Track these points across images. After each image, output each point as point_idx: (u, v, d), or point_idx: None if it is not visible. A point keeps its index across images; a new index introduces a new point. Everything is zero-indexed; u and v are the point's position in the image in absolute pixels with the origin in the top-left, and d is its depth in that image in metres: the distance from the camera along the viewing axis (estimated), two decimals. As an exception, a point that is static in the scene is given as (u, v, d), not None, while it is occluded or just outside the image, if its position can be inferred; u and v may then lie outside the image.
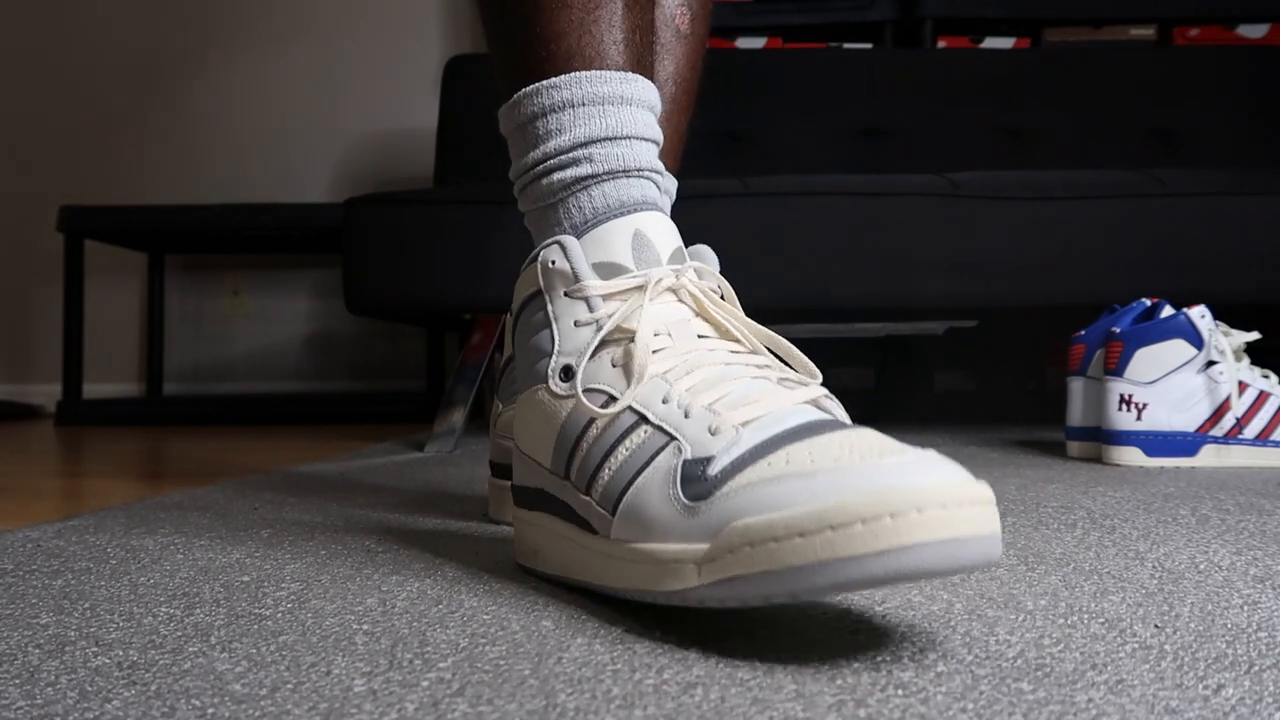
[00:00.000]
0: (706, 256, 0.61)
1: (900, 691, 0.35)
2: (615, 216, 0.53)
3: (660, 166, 0.57)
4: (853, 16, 2.28)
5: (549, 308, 0.52)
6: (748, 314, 0.54)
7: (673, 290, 0.52)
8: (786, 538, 0.38)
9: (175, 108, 2.75)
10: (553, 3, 0.56)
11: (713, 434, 0.44)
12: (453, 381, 1.44)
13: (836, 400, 0.49)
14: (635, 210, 0.54)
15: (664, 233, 0.54)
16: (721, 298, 0.54)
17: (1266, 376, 1.13)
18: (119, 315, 2.77)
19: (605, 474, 0.47)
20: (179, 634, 0.44)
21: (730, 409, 0.45)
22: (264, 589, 0.52)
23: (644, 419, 0.47)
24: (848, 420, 0.47)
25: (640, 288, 0.51)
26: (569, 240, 0.52)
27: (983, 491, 0.38)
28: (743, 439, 0.43)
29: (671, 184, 0.75)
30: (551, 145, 0.55)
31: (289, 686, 0.37)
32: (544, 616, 0.46)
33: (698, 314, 0.52)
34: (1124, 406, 1.12)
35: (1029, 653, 0.40)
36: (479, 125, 2.04)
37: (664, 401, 0.47)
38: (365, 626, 0.45)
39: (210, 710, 0.34)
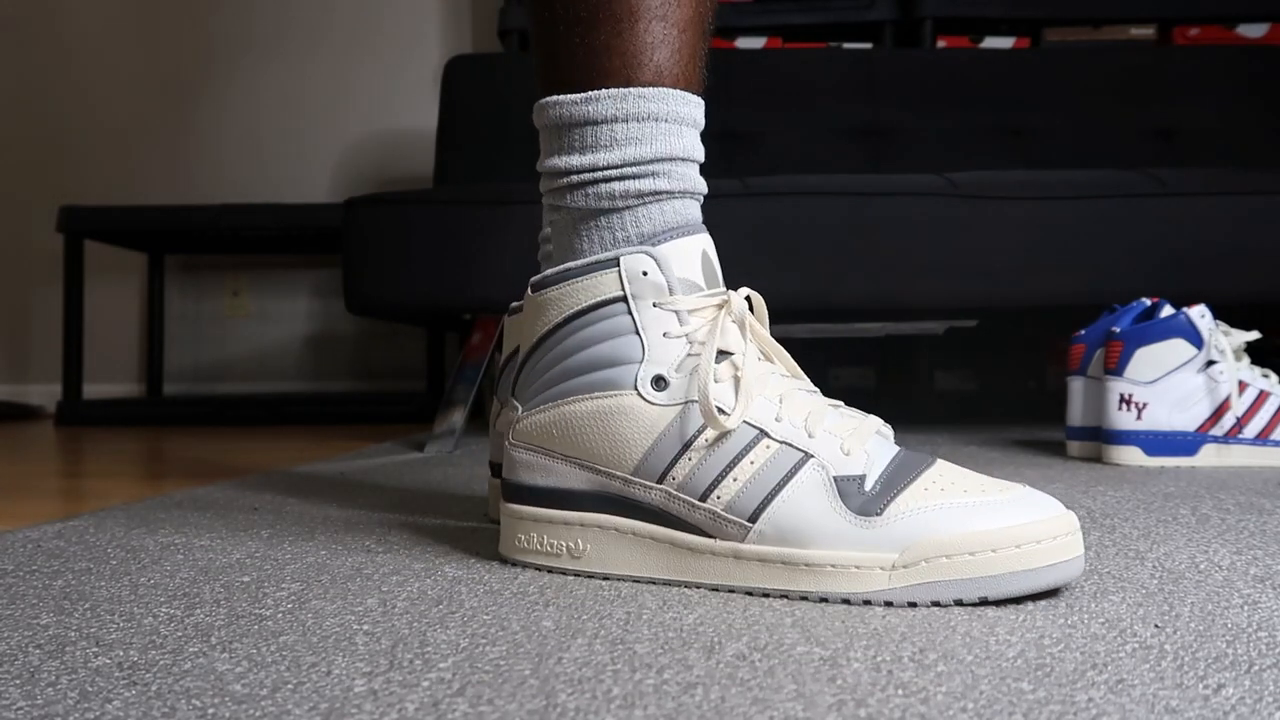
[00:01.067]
0: None
1: (900, 691, 0.35)
2: (687, 234, 0.56)
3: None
4: (852, 16, 2.28)
5: (636, 316, 0.54)
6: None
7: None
8: (981, 551, 0.47)
9: (175, 108, 2.75)
10: (650, 12, 0.57)
11: (845, 454, 0.51)
12: (453, 381, 1.44)
13: (888, 426, 0.56)
14: (700, 231, 0.57)
15: (715, 255, 0.58)
16: (751, 309, 0.57)
17: (1266, 376, 1.13)
18: (119, 315, 2.77)
19: (731, 484, 0.51)
20: (179, 634, 0.44)
21: (844, 433, 0.52)
22: (264, 589, 0.52)
23: (765, 434, 0.52)
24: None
25: (721, 305, 0.54)
26: (659, 253, 0.54)
27: (1076, 518, 0.50)
28: (873, 460, 0.51)
29: None
30: (630, 152, 0.56)
31: (289, 687, 0.37)
32: (544, 616, 0.46)
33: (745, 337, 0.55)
34: (1124, 406, 1.12)
35: (1029, 653, 0.40)
36: (479, 125, 2.05)
37: (777, 420, 0.52)
38: (365, 626, 0.45)
39: (211, 710, 0.34)
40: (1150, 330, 1.11)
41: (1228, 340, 1.11)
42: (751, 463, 0.51)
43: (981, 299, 1.43)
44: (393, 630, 0.44)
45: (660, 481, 0.53)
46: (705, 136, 0.61)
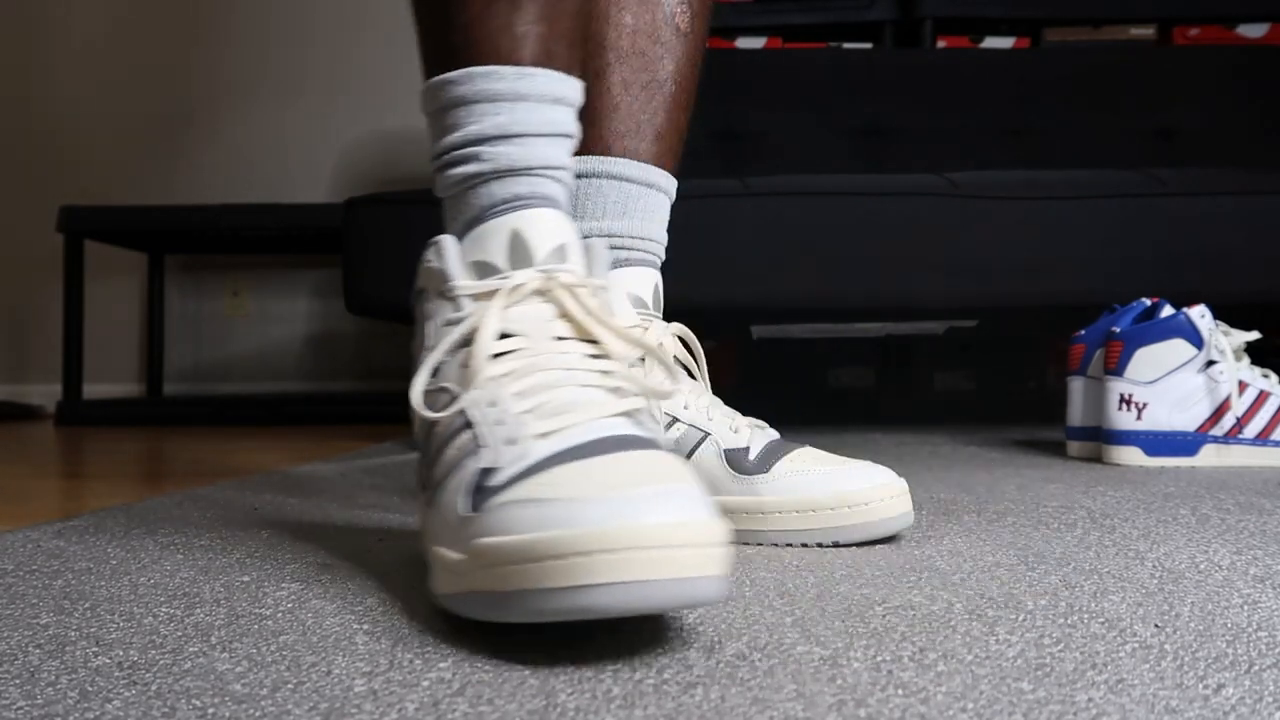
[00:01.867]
0: (596, 253, 0.59)
1: (900, 691, 0.35)
2: (495, 216, 0.53)
3: (565, 161, 0.56)
4: (852, 16, 2.28)
5: (424, 306, 0.54)
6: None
7: (541, 290, 0.51)
8: (516, 563, 0.39)
9: (176, 108, 2.75)
10: None
11: (508, 444, 0.45)
12: (453, 381, 1.43)
13: (654, 416, 0.53)
14: (518, 208, 0.53)
15: (548, 230, 0.53)
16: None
17: (1266, 376, 1.13)
18: (119, 315, 2.77)
19: (436, 473, 0.48)
20: (179, 634, 0.44)
21: (538, 419, 0.46)
22: (264, 589, 0.52)
23: (469, 423, 0.47)
24: (658, 434, 0.51)
25: (514, 288, 0.51)
26: (446, 239, 0.53)
27: (713, 533, 0.39)
28: (531, 452, 0.44)
29: (670, 183, 0.76)
30: (448, 140, 0.55)
31: (289, 686, 0.37)
32: (544, 616, 0.46)
33: (561, 315, 0.51)
34: (1124, 406, 1.12)
35: (1029, 653, 0.40)
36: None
37: (491, 405, 0.47)
38: (365, 626, 0.45)
39: (211, 710, 0.34)
40: (1150, 330, 1.11)
41: (1228, 340, 1.11)
42: (454, 450, 0.47)
43: (981, 299, 1.43)
44: (393, 630, 0.44)
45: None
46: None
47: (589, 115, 0.73)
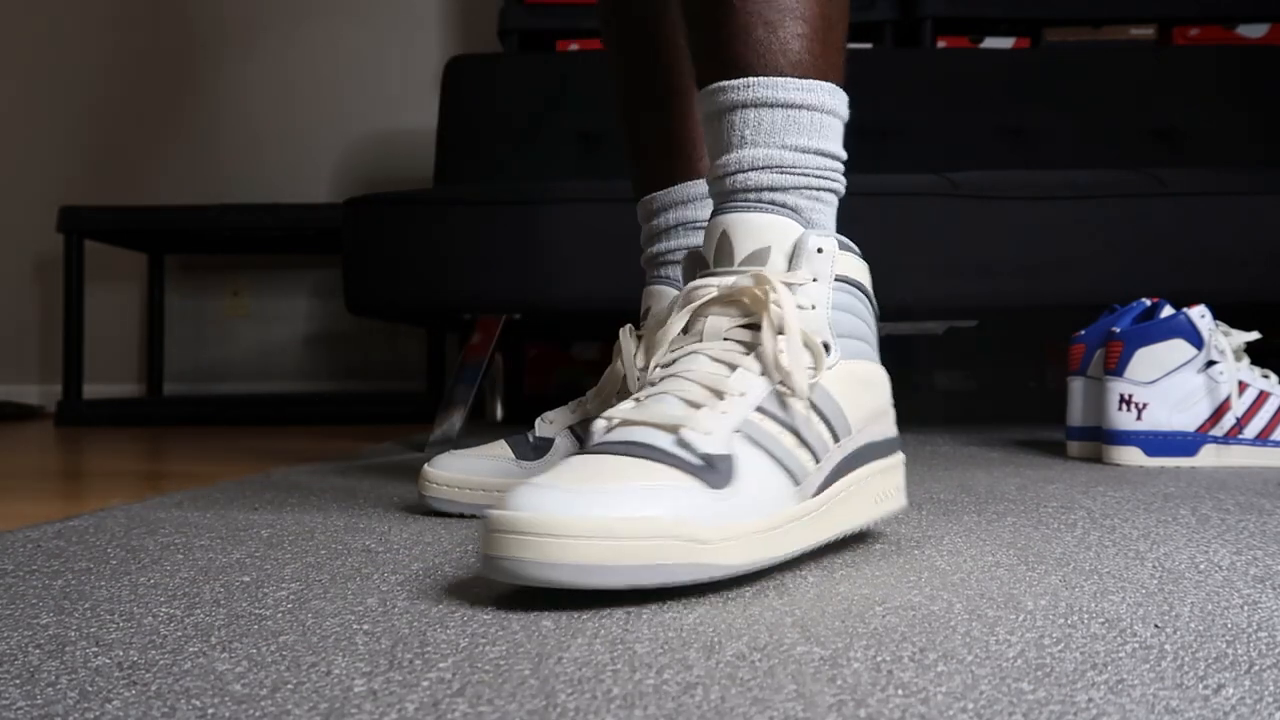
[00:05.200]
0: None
1: (900, 691, 0.35)
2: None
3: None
4: (853, 16, 2.27)
5: None
6: None
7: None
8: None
9: (175, 108, 2.75)
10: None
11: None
12: (453, 382, 1.44)
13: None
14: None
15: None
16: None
17: (1266, 376, 1.13)
18: (119, 315, 2.77)
19: None
20: (179, 634, 0.44)
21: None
22: (264, 589, 0.52)
23: None
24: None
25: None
26: None
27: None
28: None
29: (769, 89, 0.63)
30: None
31: (289, 687, 0.37)
32: (544, 616, 0.46)
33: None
34: (1124, 406, 1.11)
35: (1029, 653, 0.40)
36: (479, 125, 2.04)
37: None
38: (365, 626, 0.45)
39: (211, 710, 0.34)
40: (1150, 330, 1.11)
41: (1228, 340, 1.11)
42: None
43: (981, 299, 1.43)
44: (392, 630, 0.44)
45: None
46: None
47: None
